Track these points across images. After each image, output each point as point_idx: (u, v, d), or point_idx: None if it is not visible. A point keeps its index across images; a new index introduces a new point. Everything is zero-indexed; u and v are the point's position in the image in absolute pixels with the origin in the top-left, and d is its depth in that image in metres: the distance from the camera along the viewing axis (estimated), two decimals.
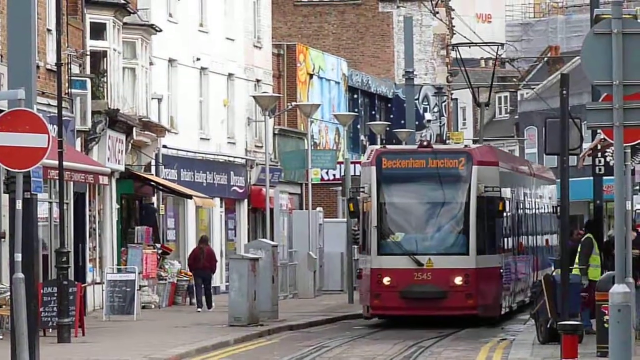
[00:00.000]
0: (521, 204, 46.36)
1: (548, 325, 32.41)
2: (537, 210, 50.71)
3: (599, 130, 26.96)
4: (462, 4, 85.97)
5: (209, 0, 61.74)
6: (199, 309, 47.32)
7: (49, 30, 41.81)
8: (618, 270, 18.31)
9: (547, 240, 54.20)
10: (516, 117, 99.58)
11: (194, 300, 51.24)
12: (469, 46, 62.50)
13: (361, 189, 38.81)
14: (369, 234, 38.18)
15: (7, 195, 30.55)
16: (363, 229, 39.00)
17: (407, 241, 37.84)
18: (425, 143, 41.66)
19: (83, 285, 39.80)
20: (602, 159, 37.30)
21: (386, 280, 37.25)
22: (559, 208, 53.01)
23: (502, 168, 40.40)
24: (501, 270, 38.83)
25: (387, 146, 45.62)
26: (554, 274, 33.48)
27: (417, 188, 38.44)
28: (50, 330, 33.97)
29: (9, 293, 29.83)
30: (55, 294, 34.71)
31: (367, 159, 39.78)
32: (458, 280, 37.17)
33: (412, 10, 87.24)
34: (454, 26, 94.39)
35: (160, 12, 56.74)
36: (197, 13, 60.86)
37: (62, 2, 41.39)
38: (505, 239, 40.85)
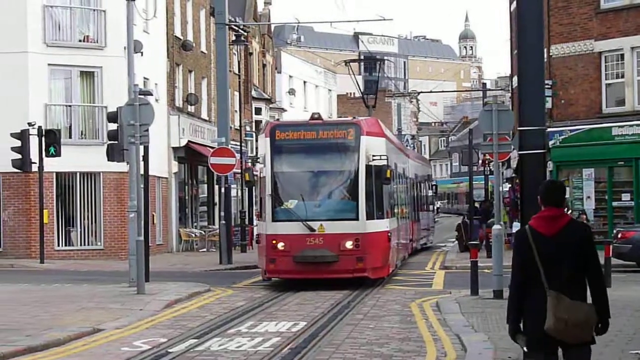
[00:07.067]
0: (402, 177, 27.06)
1: (464, 244, 32.18)
2: (416, 183, 32.99)
3: (487, 154, 26.71)
4: (423, 97, 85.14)
5: (308, 99, 61.79)
6: None
7: (235, 111, 41.88)
8: (497, 219, 18.17)
9: (426, 207, 37.32)
10: (449, 148, 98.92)
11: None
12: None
13: (258, 160, 22.25)
14: (265, 201, 20.67)
15: (217, 185, 30.85)
16: (260, 197, 21.69)
17: (299, 208, 20.06)
18: (316, 116, 21.27)
19: (251, 226, 39.84)
20: (489, 167, 36.89)
21: (280, 245, 20.00)
22: (434, 185, 46.56)
23: (387, 140, 22.39)
24: (389, 234, 20.98)
25: (280, 119, 26.29)
26: (466, 220, 33.11)
27: (309, 158, 20.55)
28: (237, 247, 33.96)
29: (217, 230, 29.81)
30: (239, 230, 34.74)
31: (263, 132, 21.87)
32: (349, 244, 19.80)
33: (400, 100, 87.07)
34: (419, 107, 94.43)
35: (286, 102, 56.71)
36: (302, 103, 60.68)
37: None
38: (393, 205, 23.08)
